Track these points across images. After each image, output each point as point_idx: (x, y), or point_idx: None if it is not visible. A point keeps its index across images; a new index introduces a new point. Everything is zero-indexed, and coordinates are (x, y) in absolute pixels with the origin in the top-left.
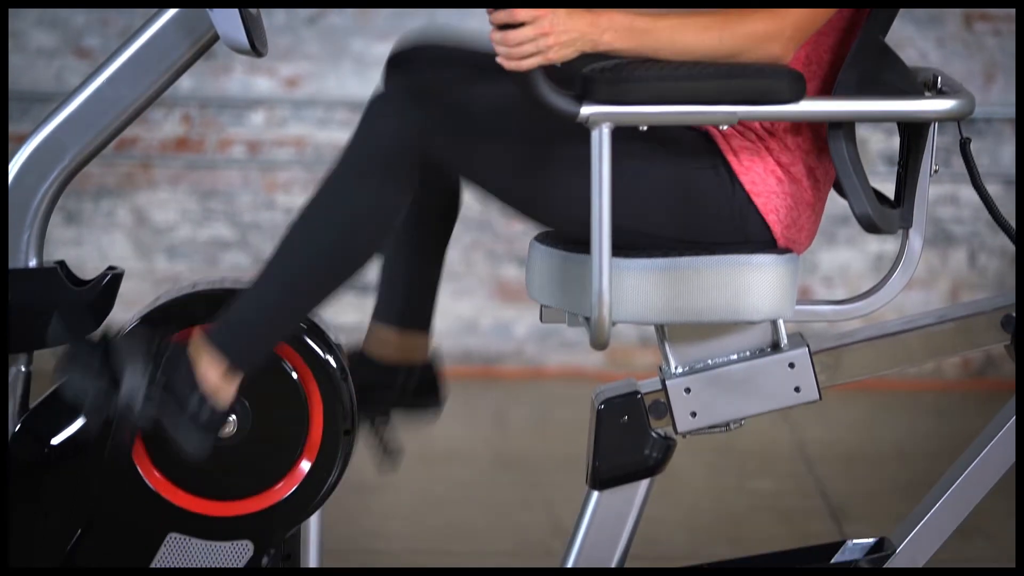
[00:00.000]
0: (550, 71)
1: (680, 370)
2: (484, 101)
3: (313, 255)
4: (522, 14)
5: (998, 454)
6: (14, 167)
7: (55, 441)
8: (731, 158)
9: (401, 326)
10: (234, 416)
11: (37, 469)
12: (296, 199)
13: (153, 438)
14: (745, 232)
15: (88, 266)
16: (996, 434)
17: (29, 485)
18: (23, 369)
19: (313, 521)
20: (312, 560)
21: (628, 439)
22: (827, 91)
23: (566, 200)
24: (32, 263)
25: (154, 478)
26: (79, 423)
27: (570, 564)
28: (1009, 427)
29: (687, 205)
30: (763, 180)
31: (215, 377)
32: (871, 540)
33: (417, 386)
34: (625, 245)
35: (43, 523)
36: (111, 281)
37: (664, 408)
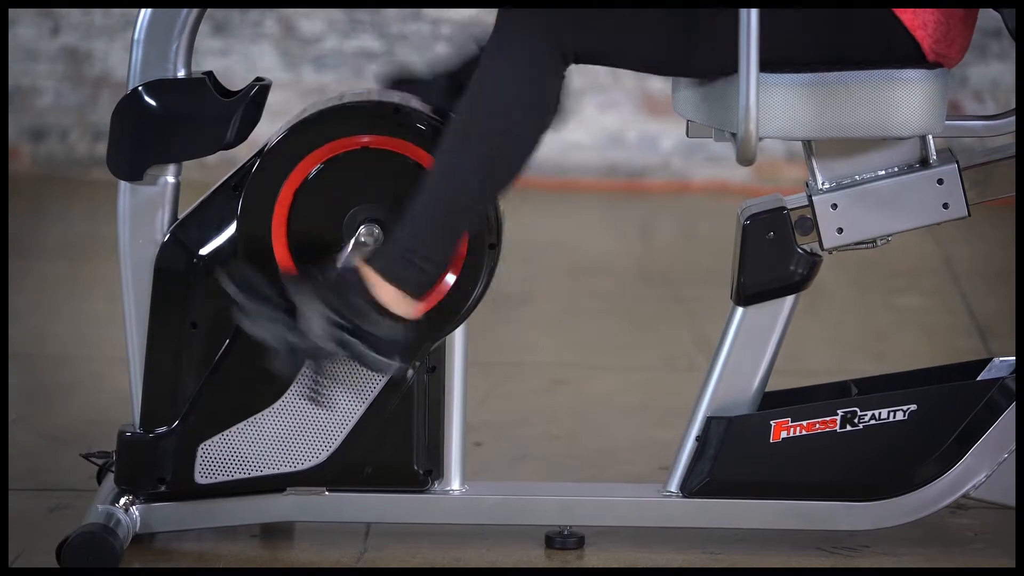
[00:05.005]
0: None
1: (827, 186)
2: None
3: (473, 170)
4: None
5: None
6: None
7: (203, 251)
8: None
9: None
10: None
11: (185, 279)
12: (444, 12)
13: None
14: (891, 48)
15: (236, 77)
16: None
17: (177, 294)
18: (171, 180)
19: (458, 334)
20: (457, 372)
21: (774, 255)
22: None
23: (721, 43)
24: (180, 73)
25: None
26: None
27: (714, 379)
28: None
29: (829, 24)
30: None
31: (394, 299)
32: None
33: None
34: (770, 63)
35: (191, 332)
36: (259, 92)
37: (810, 224)
